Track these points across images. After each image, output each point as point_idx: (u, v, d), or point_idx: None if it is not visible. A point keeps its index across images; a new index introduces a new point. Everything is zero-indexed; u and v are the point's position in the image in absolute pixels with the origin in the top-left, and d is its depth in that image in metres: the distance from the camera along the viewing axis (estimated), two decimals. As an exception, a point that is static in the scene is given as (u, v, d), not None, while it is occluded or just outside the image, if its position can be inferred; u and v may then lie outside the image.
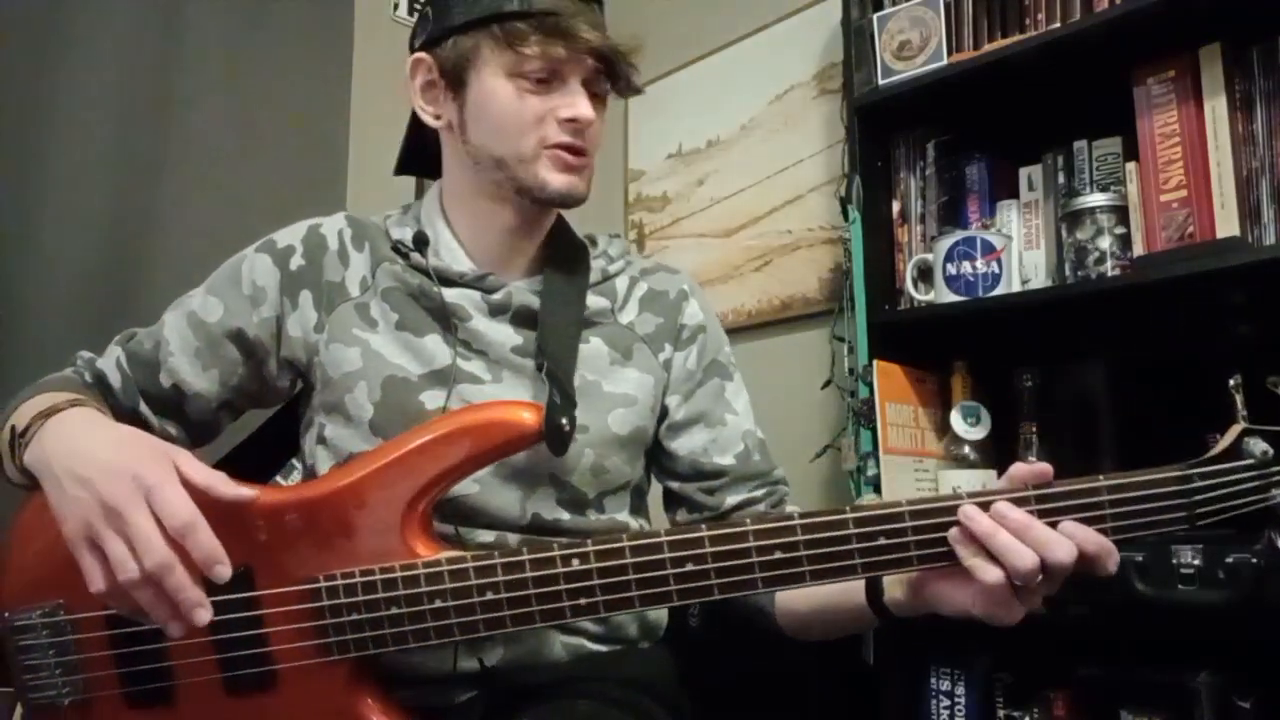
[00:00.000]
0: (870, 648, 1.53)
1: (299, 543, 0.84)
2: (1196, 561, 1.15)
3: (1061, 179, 1.58)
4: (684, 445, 1.03)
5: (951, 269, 1.57)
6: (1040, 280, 1.60)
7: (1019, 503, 0.74)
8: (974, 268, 1.55)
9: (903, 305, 1.70)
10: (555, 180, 0.96)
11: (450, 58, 0.96)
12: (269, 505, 0.84)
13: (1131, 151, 1.49)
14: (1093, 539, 0.73)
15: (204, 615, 0.73)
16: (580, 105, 0.94)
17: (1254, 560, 1.12)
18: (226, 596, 0.80)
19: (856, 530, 0.77)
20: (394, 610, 0.81)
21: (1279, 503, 0.74)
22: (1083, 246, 1.49)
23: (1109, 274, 1.46)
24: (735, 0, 2.29)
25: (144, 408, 1.00)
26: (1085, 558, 0.72)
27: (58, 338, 1.63)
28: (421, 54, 0.99)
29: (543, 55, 0.92)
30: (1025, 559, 0.71)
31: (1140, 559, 1.19)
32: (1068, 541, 0.72)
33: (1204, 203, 1.38)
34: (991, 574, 0.72)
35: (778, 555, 0.77)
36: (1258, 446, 0.75)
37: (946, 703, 1.54)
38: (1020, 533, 0.72)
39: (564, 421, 0.87)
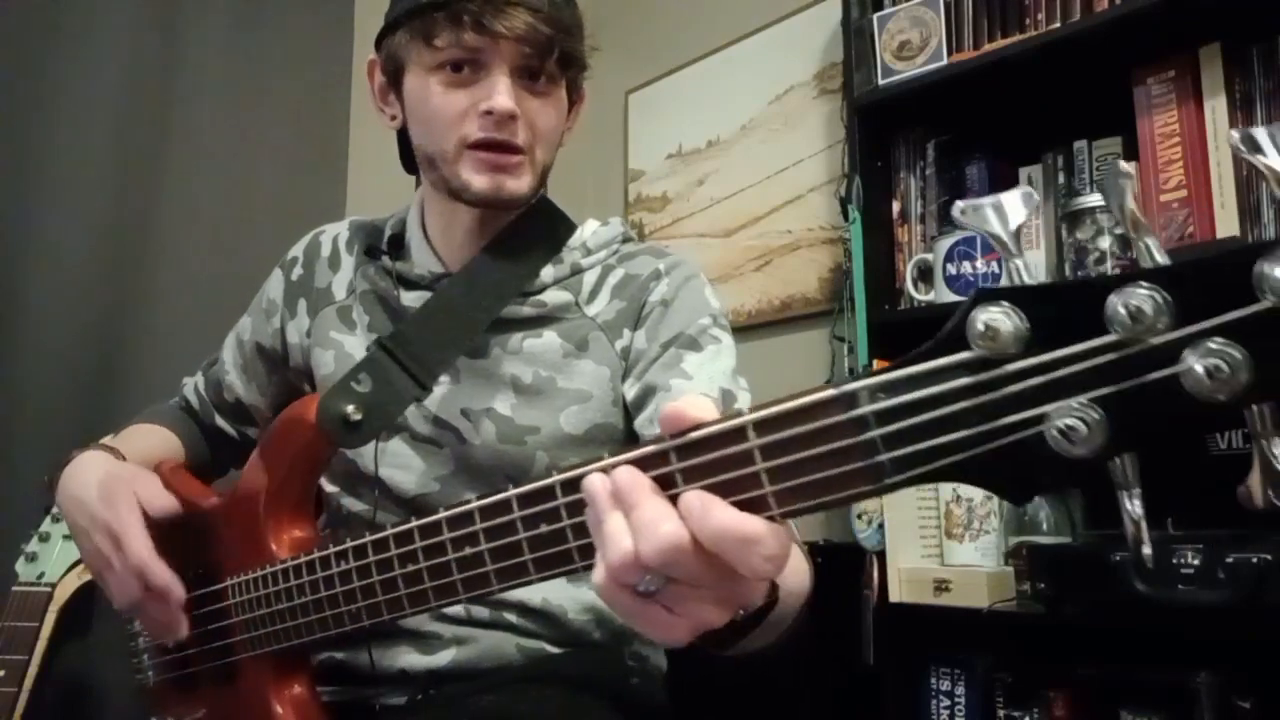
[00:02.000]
0: (870, 648, 1.53)
1: (229, 545, 0.88)
2: (1196, 561, 1.15)
3: (1061, 179, 1.59)
4: (639, 425, 0.93)
5: (951, 269, 1.57)
6: (1040, 280, 1.59)
7: (658, 460, 0.50)
8: (974, 268, 1.55)
9: (903, 305, 1.70)
10: (477, 181, 0.88)
11: (389, 57, 0.93)
12: (210, 513, 0.91)
13: (1131, 151, 1.49)
14: (713, 521, 0.45)
15: (180, 632, 0.86)
16: (497, 96, 0.85)
17: (1254, 560, 1.12)
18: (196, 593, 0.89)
19: (520, 514, 0.57)
20: (260, 611, 0.82)
21: (1048, 433, 0.40)
22: (1083, 246, 1.49)
23: (1109, 274, 1.46)
24: (735, 0, 2.29)
25: (220, 421, 1.12)
26: (707, 546, 0.46)
27: (58, 337, 1.63)
28: (373, 55, 0.97)
29: (455, 45, 0.85)
30: (616, 549, 0.47)
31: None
32: (667, 525, 0.46)
33: (1204, 203, 1.38)
34: (596, 571, 0.49)
35: (467, 551, 0.62)
36: (984, 321, 0.41)
37: (946, 703, 1.54)
38: (629, 511, 0.48)
39: (349, 410, 0.80)
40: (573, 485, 0.54)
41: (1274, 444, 0.38)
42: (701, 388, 0.89)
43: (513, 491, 0.59)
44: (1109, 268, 1.46)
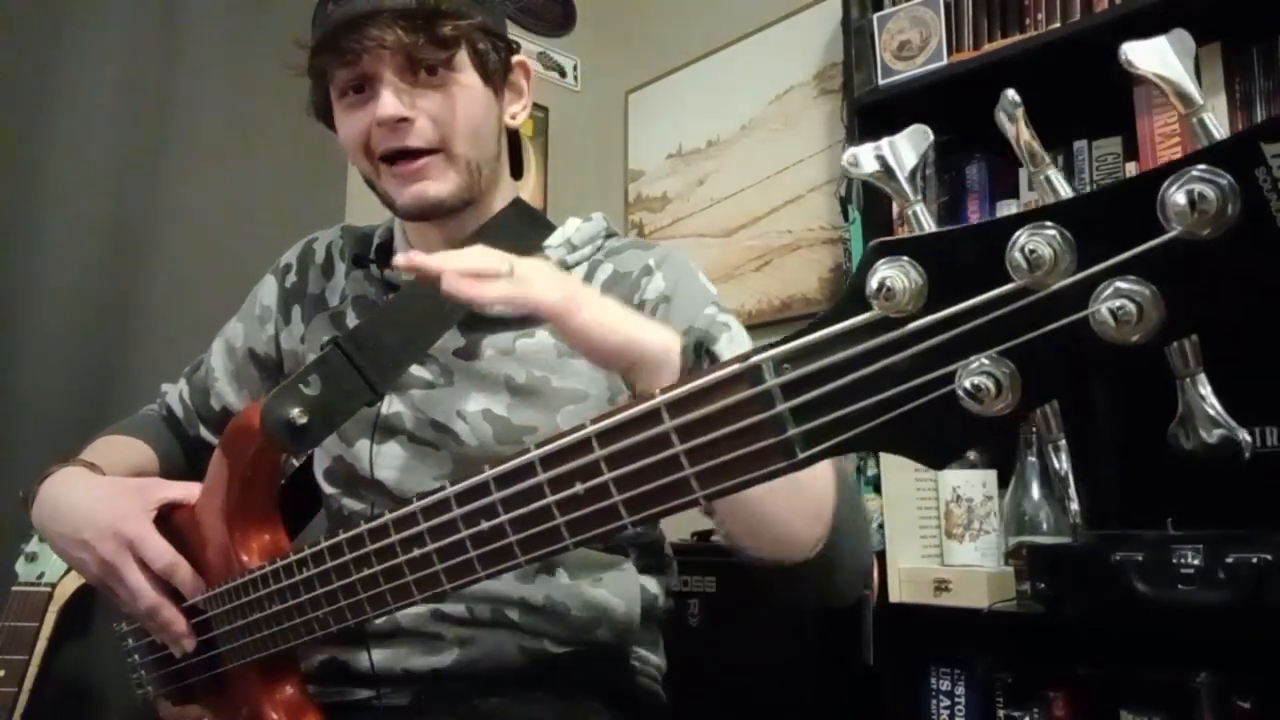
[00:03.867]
0: (870, 648, 1.53)
1: (201, 556, 0.87)
2: (1196, 561, 1.15)
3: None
4: None
5: (951, 269, 1.57)
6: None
7: (581, 449, 0.52)
8: (974, 268, 1.55)
9: (903, 305, 1.70)
10: (399, 195, 0.90)
11: (314, 108, 0.97)
12: (181, 523, 0.89)
13: (1131, 151, 1.49)
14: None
15: (188, 644, 0.85)
16: (379, 105, 0.86)
17: (1254, 560, 1.12)
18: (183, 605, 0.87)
19: (460, 512, 0.58)
20: (237, 622, 0.82)
21: (958, 392, 0.38)
22: (1083, 246, 1.49)
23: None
24: (735, 0, 2.29)
25: (204, 431, 1.10)
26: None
27: (58, 337, 1.63)
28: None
29: (340, 71, 0.87)
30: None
31: (1140, 559, 1.19)
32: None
33: (1204, 203, 1.38)
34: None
35: (415, 553, 0.63)
36: (878, 279, 0.39)
37: (946, 703, 1.54)
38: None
39: (294, 413, 0.79)
40: (507, 479, 0.55)
41: (1198, 382, 0.35)
42: None
43: (450, 490, 0.59)
44: (1109, 268, 1.46)
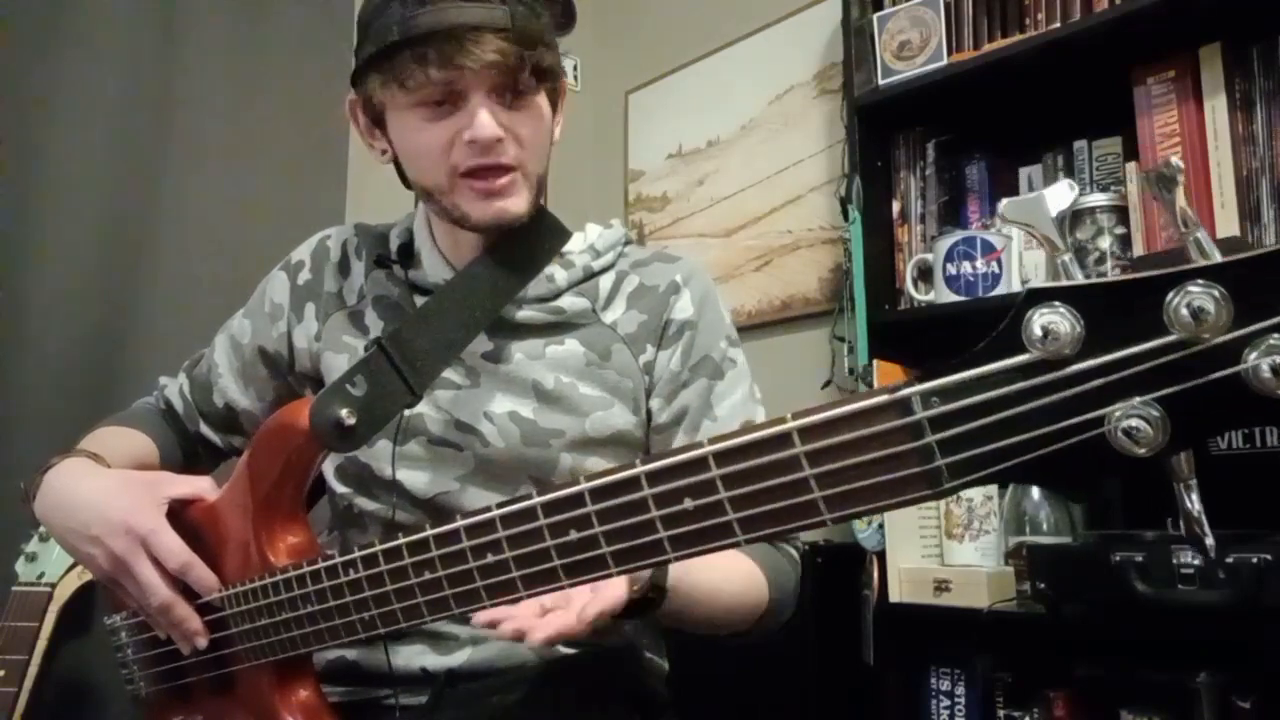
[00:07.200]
0: (870, 648, 1.53)
1: (221, 553, 0.86)
2: (1196, 561, 1.15)
3: (1061, 179, 1.58)
4: (676, 441, 0.97)
5: (951, 269, 1.57)
6: (1040, 280, 1.59)
7: (697, 466, 0.53)
8: (974, 268, 1.55)
9: (903, 305, 1.70)
10: (476, 210, 0.89)
11: (367, 101, 0.92)
12: (198, 519, 0.88)
13: (1131, 151, 1.49)
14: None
15: (201, 642, 0.85)
16: (478, 125, 0.85)
17: (1254, 560, 1.12)
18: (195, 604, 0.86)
19: (547, 521, 0.60)
20: (262, 621, 0.81)
21: (1111, 433, 0.40)
22: (1083, 246, 1.49)
23: (1109, 274, 1.46)
24: (735, 0, 2.29)
25: (204, 428, 1.08)
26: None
27: (58, 337, 1.63)
28: (353, 95, 0.96)
29: (429, 82, 0.84)
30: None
31: (1140, 559, 1.19)
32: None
33: (1204, 203, 1.38)
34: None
35: (490, 559, 0.63)
36: (1042, 325, 0.41)
37: (946, 703, 1.54)
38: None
39: (343, 414, 0.79)
40: (605, 492, 0.56)
41: None
42: (727, 427, 0.92)
43: (537, 499, 0.60)
44: (1109, 268, 1.46)
